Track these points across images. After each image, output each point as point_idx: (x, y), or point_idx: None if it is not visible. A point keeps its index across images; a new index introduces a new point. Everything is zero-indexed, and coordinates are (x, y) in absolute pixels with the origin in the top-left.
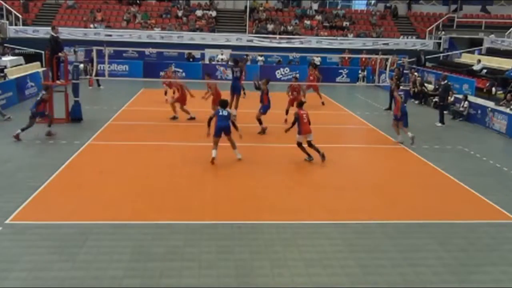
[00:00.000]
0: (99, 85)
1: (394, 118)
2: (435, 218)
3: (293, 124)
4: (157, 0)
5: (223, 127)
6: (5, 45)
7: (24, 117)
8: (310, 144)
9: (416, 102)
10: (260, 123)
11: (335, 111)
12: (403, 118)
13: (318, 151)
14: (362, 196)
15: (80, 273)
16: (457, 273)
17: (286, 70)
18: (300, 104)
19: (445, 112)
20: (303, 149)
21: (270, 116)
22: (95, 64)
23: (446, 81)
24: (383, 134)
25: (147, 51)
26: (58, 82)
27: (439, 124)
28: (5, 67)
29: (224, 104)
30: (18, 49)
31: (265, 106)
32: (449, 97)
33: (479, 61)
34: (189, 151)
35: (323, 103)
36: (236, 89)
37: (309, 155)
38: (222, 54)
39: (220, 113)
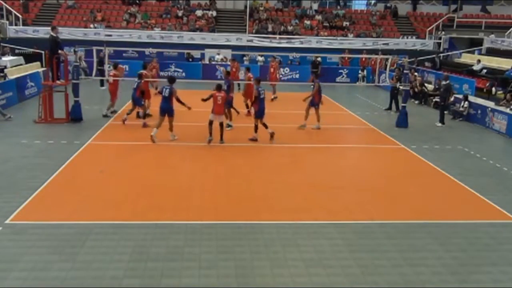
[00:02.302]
0: (102, 85)
1: (312, 104)
2: (435, 218)
3: (206, 99)
4: (157, 0)
5: (164, 109)
6: (3, 44)
7: (24, 117)
8: (220, 125)
9: (416, 102)
10: (266, 127)
11: (335, 111)
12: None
13: (221, 135)
14: (362, 196)
15: (80, 273)
16: (457, 273)
17: (286, 70)
18: (218, 88)
19: (445, 112)
20: (210, 129)
21: (270, 116)
22: (94, 64)
23: (448, 81)
24: (383, 134)
25: (147, 51)
26: (58, 82)
27: (439, 124)
28: (5, 67)
29: (171, 80)
30: (18, 49)
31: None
32: (450, 97)
33: (479, 61)
34: (189, 151)
35: (272, 99)
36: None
37: (210, 134)
38: (219, 55)
39: (163, 93)
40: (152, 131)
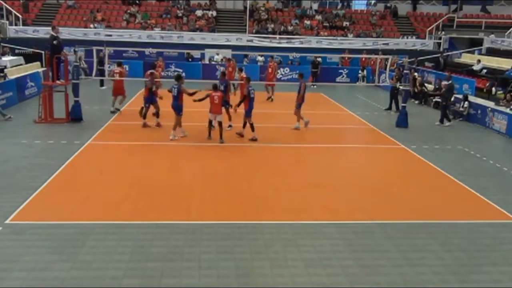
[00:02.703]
0: (102, 85)
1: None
2: (435, 218)
3: (202, 99)
4: (157, 0)
5: (172, 106)
6: (3, 44)
7: (24, 117)
8: (219, 124)
9: (416, 102)
10: (246, 127)
11: (335, 111)
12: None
13: (221, 134)
14: (362, 196)
15: (80, 273)
16: (457, 273)
17: (286, 70)
18: (214, 87)
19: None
20: (209, 128)
21: (269, 116)
22: (94, 64)
23: (450, 81)
24: (383, 134)
25: (147, 51)
26: (58, 82)
27: (447, 124)
28: (5, 67)
29: (177, 77)
30: (18, 49)
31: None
32: (451, 97)
33: (479, 61)
34: (189, 151)
35: (271, 99)
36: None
37: (209, 134)
38: (218, 55)
39: (172, 93)
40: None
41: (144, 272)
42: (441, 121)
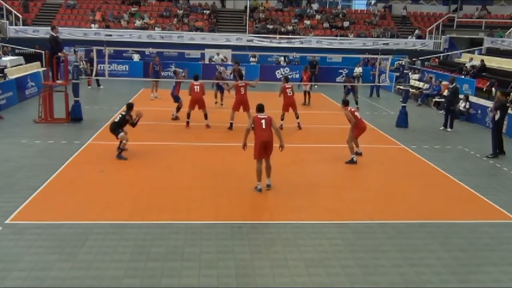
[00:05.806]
0: (99, 85)
1: None
2: (435, 218)
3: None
4: (157, 0)
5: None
6: (3, 44)
7: (24, 117)
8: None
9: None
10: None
11: (335, 111)
12: None
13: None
14: (362, 196)
15: (80, 273)
16: (457, 273)
17: (286, 70)
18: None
19: (449, 116)
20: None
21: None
22: (95, 64)
23: (454, 84)
24: (383, 134)
25: (147, 51)
26: (58, 82)
27: (442, 128)
28: (5, 67)
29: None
30: (19, 49)
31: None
32: (459, 102)
33: (471, 59)
34: (189, 151)
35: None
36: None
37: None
38: (218, 55)
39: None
40: None
41: (144, 272)
42: (445, 126)
